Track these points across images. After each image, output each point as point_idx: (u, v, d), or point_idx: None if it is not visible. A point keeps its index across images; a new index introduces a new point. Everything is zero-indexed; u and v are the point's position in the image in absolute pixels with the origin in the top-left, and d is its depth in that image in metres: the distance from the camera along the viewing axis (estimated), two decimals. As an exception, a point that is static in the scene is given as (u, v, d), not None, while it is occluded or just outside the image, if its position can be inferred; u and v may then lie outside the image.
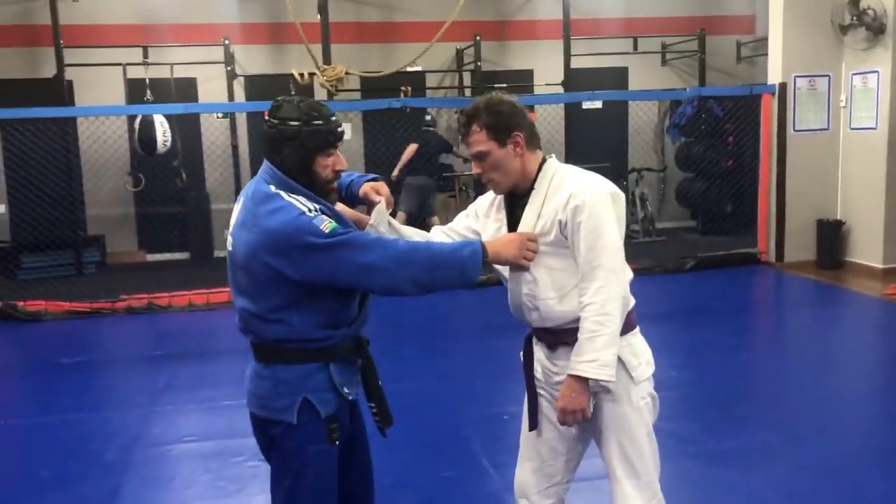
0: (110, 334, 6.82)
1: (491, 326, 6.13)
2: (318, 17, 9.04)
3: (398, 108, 8.42)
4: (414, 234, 2.41)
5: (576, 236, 2.17)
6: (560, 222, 2.19)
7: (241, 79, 9.89)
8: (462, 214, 2.49)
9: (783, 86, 8.12)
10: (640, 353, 2.30)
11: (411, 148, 8.99)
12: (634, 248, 9.44)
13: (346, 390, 2.19)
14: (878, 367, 5.45)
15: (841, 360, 5.57)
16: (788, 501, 3.41)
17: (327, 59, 9.04)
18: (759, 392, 4.94)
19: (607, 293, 2.14)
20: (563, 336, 2.26)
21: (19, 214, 8.83)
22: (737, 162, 9.61)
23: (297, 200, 2.09)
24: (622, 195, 2.26)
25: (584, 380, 2.16)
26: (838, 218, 8.19)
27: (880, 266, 7.74)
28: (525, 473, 2.44)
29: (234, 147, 9.71)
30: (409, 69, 9.25)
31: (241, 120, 9.87)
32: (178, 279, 7.86)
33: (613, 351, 2.15)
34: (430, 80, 10.36)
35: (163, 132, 8.62)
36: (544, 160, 2.30)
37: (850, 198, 8.14)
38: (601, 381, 2.16)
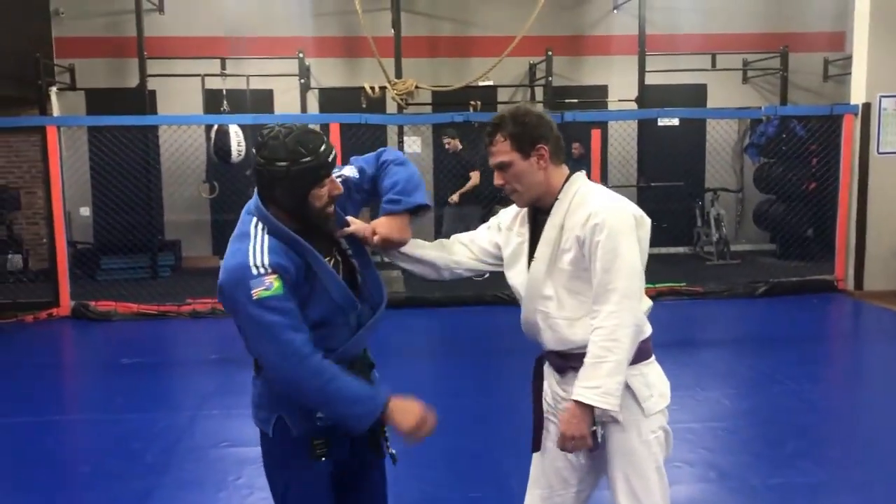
0: (173, 337, 7.03)
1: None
2: (392, 31, 9.16)
3: (468, 123, 8.40)
4: (432, 249, 2.36)
5: (593, 256, 2.10)
6: (579, 239, 2.12)
7: (315, 91, 10.09)
8: (485, 226, 2.44)
9: (867, 106, 7.75)
10: (653, 383, 2.21)
11: (475, 177, 8.83)
12: (707, 271, 9.17)
13: (318, 414, 2.08)
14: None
15: (874, 385, 5.25)
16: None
17: (399, 72, 9.14)
18: (818, 428, 4.68)
19: (619, 319, 2.06)
20: (571, 360, 2.19)
21: (102, 218, 9.24)
22: (819, 184, 9.20)
23: (260, 247, 2.00)
24: (648, 219, 2.18)
25: (587, 406, 2.08)
26: (924, 246, 7.75)
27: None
28: (534, 501, 2.36)
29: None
30: (480, 83, 9.25)
31: (314, 131, 10.04)
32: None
33: (619, 380, 2.07)
34: (502, 95, 10.32)
35: (237, 142, 8.85)
36: (570, 176, 2.24)
37: (938, 225, 7.68)
38: (603, 409, 2.07)
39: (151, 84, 9.28)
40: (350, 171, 2.24)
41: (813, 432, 4.60)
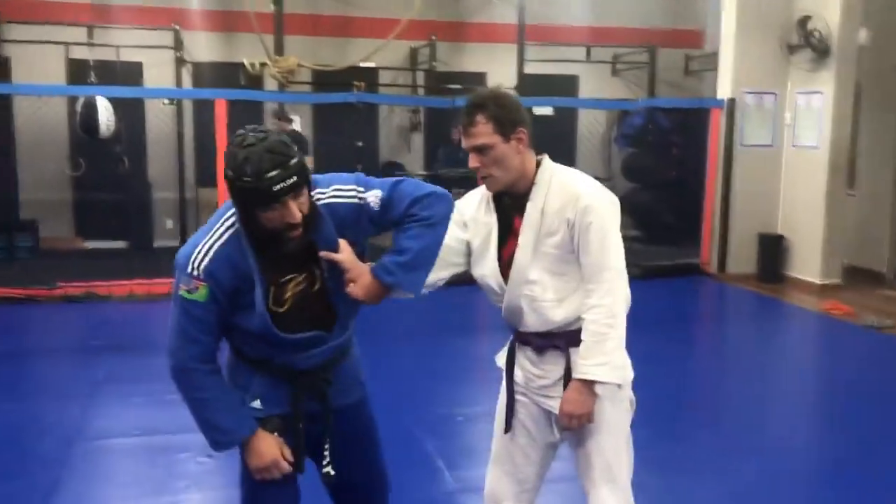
0: (45, 322, 6.55)
1: (440, 327, 6.10)
2: (273, 6, 8.89)
3: (350, 104, 8.30)
4: None
5: (584, 237, 2.14)
6: (569, 221, 2.15)
7: (189, 66, 9.64)
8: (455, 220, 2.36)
9: (732, 101, 8.30)
10: (624, 356, 2.27)
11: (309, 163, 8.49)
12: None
13: (256, 404, 2.12)
14: (818, 381, 5.60)
15: (784, 373, 5.71)
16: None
17: (280, 50, 8.89)
18: (707, 401, 5.03)
19: (615, 296, 2.13)
20: (554, 339, 2.23)
21: (-53, 193, 8.44)
22: (681, 174, 9.78)
23: (209, 248, 1.98)
24: (619, 203, 2.25)
25: (591, 383, 2.14)
26: (779, 233, 8.42)
27: (818, 282, 7.98)
28: (498, 478, 2.40)
29: (180, 135, 9.45)
30: (362, 65, 9.17)
31: (188, 108, 9.60)
32: (117, 268, 7.61)
33: (622, 353, 2.16)
34: (384, 78, 10.27)
35: (107, 116, 8.32)
36: (539, 160, 2.25)
37: (791, 214, 8.37)
38: (612, 383, 2.15)
39: (6, 50, 8.54)
40: (374, 198, 2.08)
41: (704, 405, 4.94)
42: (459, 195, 8.63)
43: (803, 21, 7.80)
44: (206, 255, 1.97)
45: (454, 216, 2.27)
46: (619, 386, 2.24)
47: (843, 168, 8.00)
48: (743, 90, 8.29)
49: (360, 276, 2.08)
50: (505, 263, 2.25)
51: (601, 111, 10.73)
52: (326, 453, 2.20)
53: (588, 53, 10.65)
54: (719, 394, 5.12)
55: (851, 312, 7.01)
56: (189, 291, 1.97)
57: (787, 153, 8.38)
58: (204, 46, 9.72)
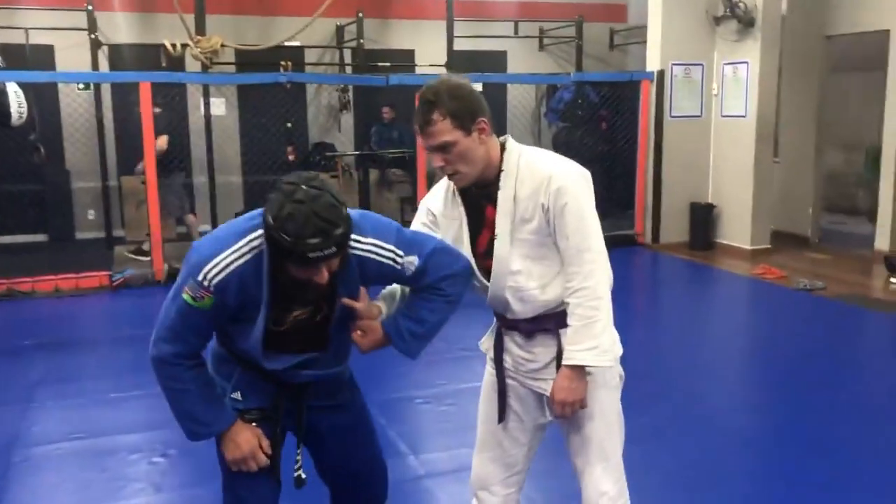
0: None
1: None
2: (192, -16, 8.54)
3: (276, 84, 8.06)
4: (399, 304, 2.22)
5: (560, 220, 2.06)
6: (543, 206, 2.07)
7: (105, 48, 9.19)
8: (417, 221, 2.29)
9: (661, 73, 8.42)
10: (613, 332, 2.21)
11: (162, 140, 7.49)
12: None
13: (236, 395, 2.11)
14: (760, 344, 5.75)
15: (725, 338, 5.87)
16: (700, 474, 3.51)
17: (201, 29, 8.56)
18: (654, 370, 5.08)
19: (598, 277, 2.06)
20: (543, 322, 2.17)
21: None
22: (612, 147, 9.89)
23: (227, 262, 1.91)
24: (590, 177, 2.18)
25: (581, 368, 2.08)
26: (710, 201, 8.61)
27: (748, 247, 8.21)
28: (484, 464, 2.35)
29: (99, 121, 9.02)
30: (287, 44, 8.92)
31: (107, 92, 9.16)
32: (39, 262, 7.26)
33: (610, 334, 2.10)
34: (310, 56, 10.03)
35: (18, 103, 7.84)
36: (503, 144, 2.17)
37: (721, 182, 8.57)
38: (603, 367, 2.10)
39: None
40: (410, 265, 2.04)
41: (651, 374, 5.00)
42: (396, 175, 8.59)
43: (728, -8, 7.94)
44: (222, 270, 1.91)
45: (421, 214, 2.26)
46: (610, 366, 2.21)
47: (769, 137, 8.22)
48: (671, 62, 8.40)
49: (371, 330, 2.09)
50: (481, 255, 2.18)
51: (530, 86, 10.74)
52: (299, 457, 2.19)
53: (516, 29, 10.62)
54: (665, 362, 5.18)
55: (782, 276, 7.24)
56: (194, 299, 1.92)
57: (716, 123, 8.57)
58: (121, 28, 9.29)
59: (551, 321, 2.15)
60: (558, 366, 2.14)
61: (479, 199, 2.16)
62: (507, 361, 2.28)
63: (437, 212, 2.25)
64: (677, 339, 5.72)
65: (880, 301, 6.45)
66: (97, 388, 4.52)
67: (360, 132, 10.26)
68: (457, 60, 9.52)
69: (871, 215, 8.28)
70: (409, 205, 9.43)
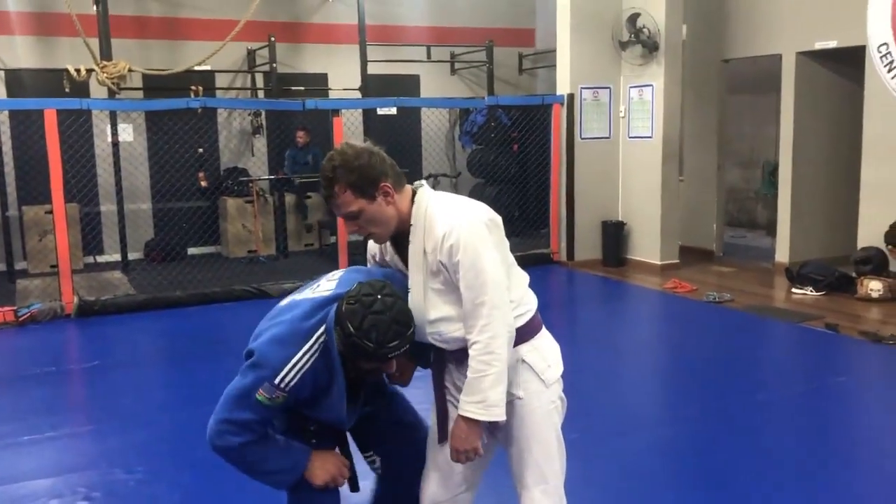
0: None
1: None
2: (95, 8, 8.31)
3: (186, 109, 7.91)
4: None
5: (456, 276, 2.10)
6: (441, 263, 2.12)
7: (2, 73, 8.82)
8: (369, 261, 2.45)
9: (570, 96, 8.66)
10: (548, 355, 2.30)
11: None
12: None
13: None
14: (677, 354, 5.95)
15: (643, 349, 6.05)
16: (632, 484, 3.61)
17: (107, 54, 8.34)
18: (576, 385, 5.20)
19: (492, 331, 2.07)
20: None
21: None
22: (524, 168, 10.10)
23: (300, 366, 2.08)
24: (499, 219, 2.21)
25: (473, 420, 2.12)
26: (620, 219, 8.89)
27: (658, 262, 8.50)
28: (433, 484, 2.36)
29: (-5, 149, 8.62)
30: (197, 68, 8.78)
31: (3, 120, 8.76)
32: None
33: (501, 389, 2.11)
34: (220, 81, 9.88)
35: None
36: (415, 193, 2.21)
37: (630, 201, 8.86)
38: (490, 421, 2.13)
39: None
40: None
41: (573, 390, 5.11)
42: (312, 199, 8.56)
43: (633, 18, 8.26)
44: (296, 374, 2.08)
45: (368, 255, 2.44)
46: (545, 385, 2.25)
47: (674, 156, 8.56)
48: (580, 85, 8.66)
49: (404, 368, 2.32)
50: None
51: (443, 111, 10.87)
52: (371, 456, 2.47)
53: (428, 53, 10.75)
54: (586, 377, 5.29)
55: (693, 289, 7.53)
56: (270, 399, 2.07)
57: (624, 144, 8.87)
58: (19, 52, 8.94)
59: None
60: None
61: (402, 247, 2.24)
62: (448, 382, 2.31)
63: (378, 259, 2.39)
64: (597, 352, 5.85)
65: (784, 310, 6.78)
66: (8, 432, 4.29)
67: (274, 156, 10.18)
68: (370, 84, 9.57)
69: (770, 229, 8.74)
70: (328, 228, 9.37)
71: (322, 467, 2.25)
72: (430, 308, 2.16)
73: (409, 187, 2.21)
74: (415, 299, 2.18)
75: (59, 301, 6.77)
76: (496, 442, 2.35)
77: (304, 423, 2.29)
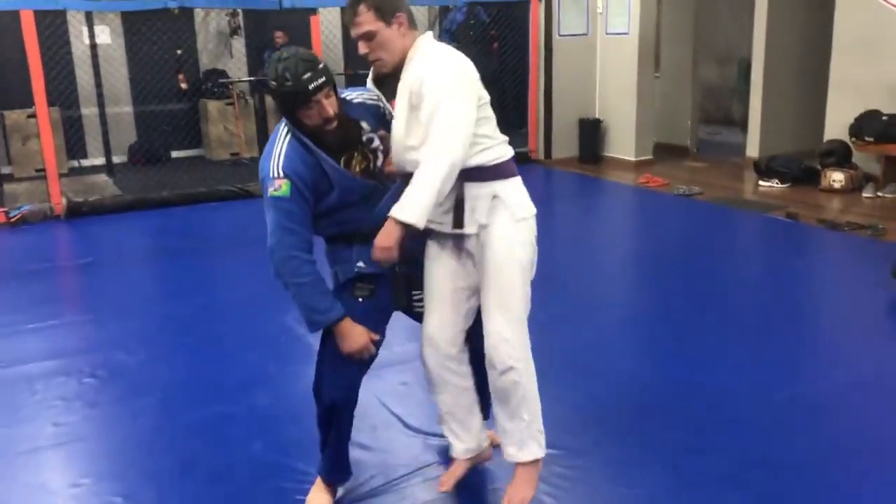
0: None
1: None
2: None
3: (163, 10, 7.87)
4: None
5: (420, 105, 2.32)
6: (415, 93, 2.35)
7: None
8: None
9: (549, -8, 8.67)
10: (519, 196, 2.48)
11: None
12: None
13: (359, 263, 2.52)
14: (645, 244, 6.26)
15: (615, 240, 6.36)
16: (595, 354, 3.94)
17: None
18: (556, 273, 5.51)
19: (436, 157, 2.27)
20: None
21: None
22: (503, 67, 10.14)
23: (278, 153, 2.39)
24: (471, 66, 2.41)
25: (395, 222, 2.27)
26: (597, 117, 9.04)
27: (633, 159, 8.73)
28: (432, 325, 2.58)
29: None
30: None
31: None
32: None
33: (425, 202, 2.24)
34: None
35: None
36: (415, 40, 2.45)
37: (607, 98, 9.00)
38: (407, 222, 2.25)
39: None
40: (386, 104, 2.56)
41: (554, 276, 5.41)
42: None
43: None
44: (279, 157, 2.38)
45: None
46: (513, 219, 2.42)
47: (650, 53, 8.66)
48: (558, -19, 8.66)
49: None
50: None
51: (423, 8, 10.79)
52: (418, 295, 2.64)
53: (405, -51, 10.58)
54: (560, 265, 5.58)
55: (664, 183, 7.78)
56: (276, 190, 2.35)
57: (601, 41, 8.93)
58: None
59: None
60: (455, 217, 2.44)
61: (388, 86, 2.50)
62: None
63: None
64: (572, 245, 6.15)
65: (750, 202, 7.07)
66: (12, 321, 4.55)
67: (253, 58, 10.14)
68: (348, -18, 9.48)
69: (744, 125, 8.92)
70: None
71: (349, 338, 2.45)
72: (409, 136, 2.40)
73: (416, 32, 2.45)
74: (397, 127, 2.43)
75: (48, 203, 6.95)
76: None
77: (352, 284, 2.52)
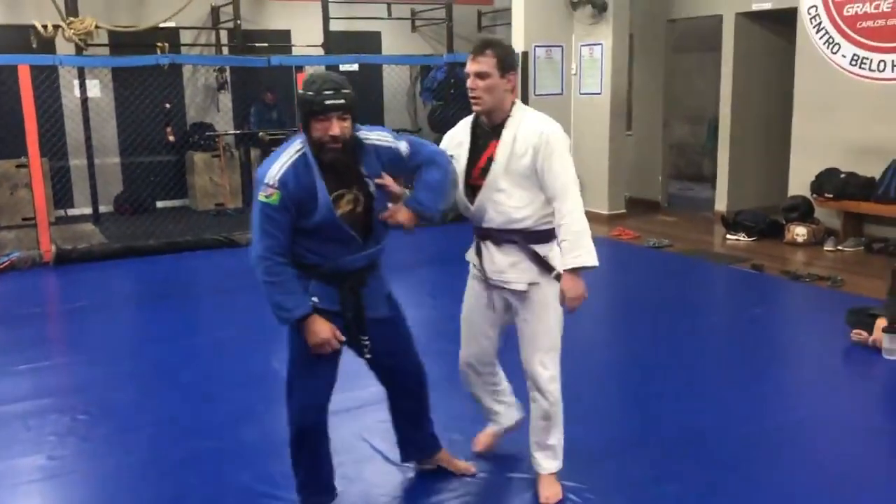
0: None
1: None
2: (60, -36, 8.48)
3: (154, 65, 8.15)
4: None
5: (548, 162, 2.75)
6: (535, 147, 2.75)
7: (-32, 29, 8.97)
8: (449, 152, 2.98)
9: (525, 54, 9.06)
10: (557, 256, 2.90)
11: None
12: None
13: (315, 300, 2.69)
14: (616, 294, 6.50)
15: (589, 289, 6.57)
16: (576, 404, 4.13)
17: (73, 11, 8.54)
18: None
19: (580, 207, 2.79)
20: (513, 235, 2.85)
21: None
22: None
23: (282, 164, 2.58)
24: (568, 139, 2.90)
25: (578, 270, 2.78)
26: (572, 172, 9.36)
27: (606, 212, 9.05)
28: (470, 354, 3.14)
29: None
30: (162, 25, 9.00)
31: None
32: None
33: (591, 244, 2.80)
34: (185, 37, 10.09)
35: None
36: (514, 103, 2.87)
37: (581, 154, 9.30)
38: (593, 265, 2.77)
39: None
40: (403, 145, 2.77)
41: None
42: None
43: (583, -21, 8.67)
44: (279, 170, 2.58)
45: (446, 144, 3.01)
46: (558, 277, 2.85)
47: (622, 112, 9.05)
48: (534, 44, 9.08)
49: (398, 209, 2.76)
50: (475, 176, 2.88)
51: (405, 67, 11.20)
52: (366, 340, 2.81)
53: (389, 11, 11.03)
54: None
55: (636, 236, 8.08)
56: (266, 196, 2.56)
57: (575, 100, 9.33)
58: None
59: (519, 234, 2.84)
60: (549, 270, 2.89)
61: (487, 136, 2.88)
62: (476, 263, 2.99)
63: (456, 141, 2.97)
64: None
65: (718, 254, 7.37)
66: (6, 362, 4.68)
67: (239, 112, 10.45)
68: (333, 40, 9.87)
69: (714, 181, 9.30)
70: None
71: (314, 330, 2.65)
72: (503, 179, 2.80)
73: (514, 97, 2.87)
74: (494, 168, 2.81)
75: (37, 250, 7.10)
76: (506, 320, 3.03)
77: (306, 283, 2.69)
